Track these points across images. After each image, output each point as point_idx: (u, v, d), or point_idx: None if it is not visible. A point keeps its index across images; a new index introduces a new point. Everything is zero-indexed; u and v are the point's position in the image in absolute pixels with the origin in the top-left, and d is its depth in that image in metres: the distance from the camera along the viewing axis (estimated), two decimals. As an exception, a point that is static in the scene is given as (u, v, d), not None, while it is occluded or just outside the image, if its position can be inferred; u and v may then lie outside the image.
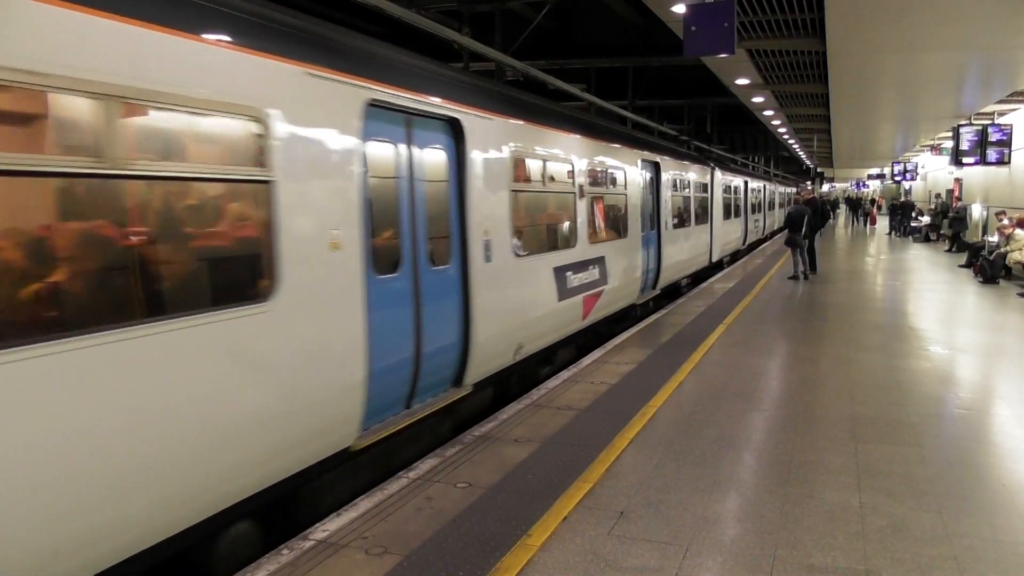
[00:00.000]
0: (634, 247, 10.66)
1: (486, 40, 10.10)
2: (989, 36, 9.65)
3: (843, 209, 53.74)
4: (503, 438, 5.40)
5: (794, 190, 35.71)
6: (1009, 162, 17.31)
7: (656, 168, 12.10)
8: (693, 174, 15.23)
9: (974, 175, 21.82)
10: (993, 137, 17.21)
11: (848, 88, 14.15)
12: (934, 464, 4.87)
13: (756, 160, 38.71)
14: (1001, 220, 15.56)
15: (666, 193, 12.57)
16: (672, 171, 13.17)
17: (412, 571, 3.52)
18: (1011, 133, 17.26)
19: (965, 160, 17.75)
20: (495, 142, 6.40)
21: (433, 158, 5.62)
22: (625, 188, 10.31)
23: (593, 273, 8.77)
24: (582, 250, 8.47)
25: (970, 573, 3.48)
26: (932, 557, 3.62)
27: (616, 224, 10.08)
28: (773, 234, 32.19)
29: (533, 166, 7.55)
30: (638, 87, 18.60)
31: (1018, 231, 14.46)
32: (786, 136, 29.00)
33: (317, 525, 4.06)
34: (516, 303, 6.73)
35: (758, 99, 17.73)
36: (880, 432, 5.53)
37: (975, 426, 5.74)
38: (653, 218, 11.92)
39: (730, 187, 20.34)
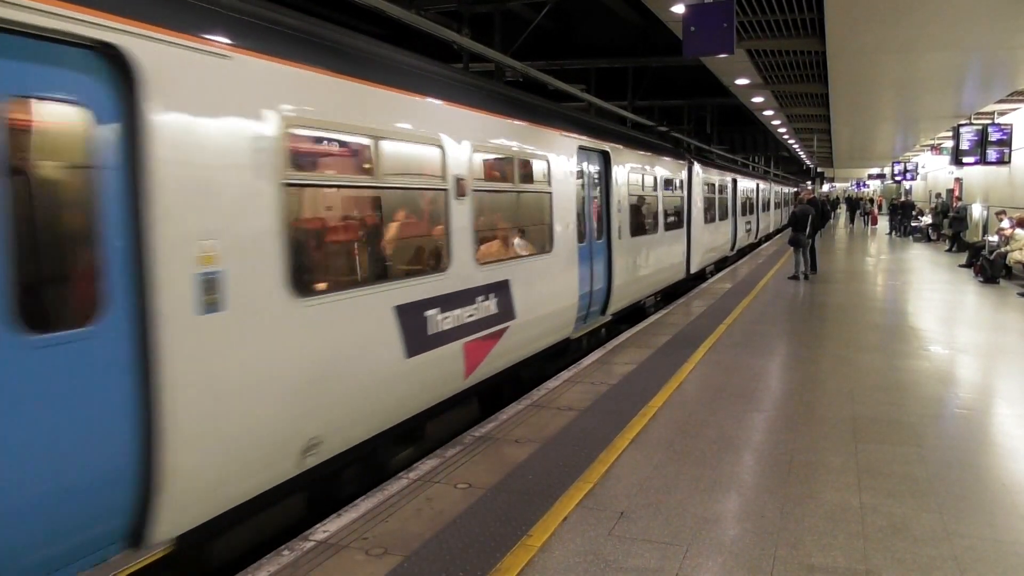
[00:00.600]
0: (565, 263, 8.13)
1: (486, 41, 10.12)
2: (989, 36, 9.66)
3: (843, 209, 53.80)
4: (503, 438, 5.40)
5: (793, 190, 35.75)
6: (1009, 162, 17.33)
7: (605, 159, 9.62)
8: (662, 168, 12.75)
9: (974, 175, 21.84)
10: (993, 137, 17.23)
11: (848, 88, 14.16)
12: (934, 464, 4.88)
13: (756, 160, 38.72)
14: (1001, 220, 15.57)
15: (620, 191, 10.02)
16: (629, 164, 10.60)
17: (412, 572, 3.52)
18: (1011, 133, 17.28)
19: (965, 160, 17.77)
20: (237, 99, 3.81)
21: (52, 121, 3.13)
22: (549, 184, 7.80)
23: (486, 306, 6.33)
24: (462, 274, 5.95)
25: (970, 573, 3.49)
26: (932, 557, 3.63)
27: (533, 234, 7.66)
28: (768, 237, 31.68)
29: (347, 147, 4.97)
30: (638, 88, 18.63)
31: (1018, 231, 14.47)
32: (786, 136, 29.02)
33: (317, 526, 4.05)
34: (300, 374, 4.18)
35: (758, 99, 17.75)
36: (880, 432, 5.53)
37: (975, 426, 5.75)
38: (601, 224, 9.50)
39: (714, 185, 18.01)
